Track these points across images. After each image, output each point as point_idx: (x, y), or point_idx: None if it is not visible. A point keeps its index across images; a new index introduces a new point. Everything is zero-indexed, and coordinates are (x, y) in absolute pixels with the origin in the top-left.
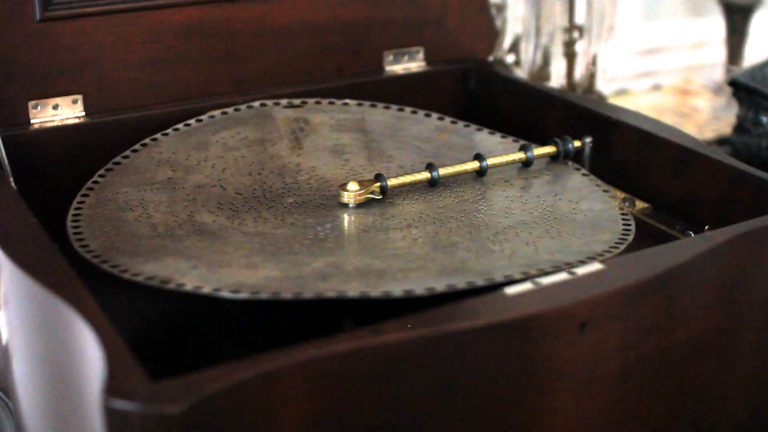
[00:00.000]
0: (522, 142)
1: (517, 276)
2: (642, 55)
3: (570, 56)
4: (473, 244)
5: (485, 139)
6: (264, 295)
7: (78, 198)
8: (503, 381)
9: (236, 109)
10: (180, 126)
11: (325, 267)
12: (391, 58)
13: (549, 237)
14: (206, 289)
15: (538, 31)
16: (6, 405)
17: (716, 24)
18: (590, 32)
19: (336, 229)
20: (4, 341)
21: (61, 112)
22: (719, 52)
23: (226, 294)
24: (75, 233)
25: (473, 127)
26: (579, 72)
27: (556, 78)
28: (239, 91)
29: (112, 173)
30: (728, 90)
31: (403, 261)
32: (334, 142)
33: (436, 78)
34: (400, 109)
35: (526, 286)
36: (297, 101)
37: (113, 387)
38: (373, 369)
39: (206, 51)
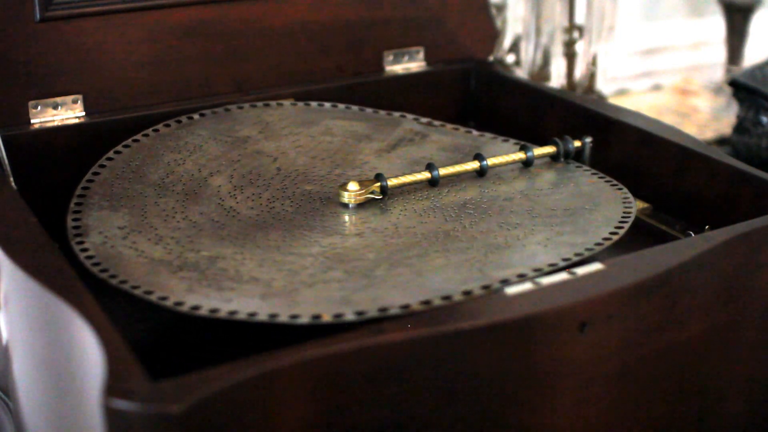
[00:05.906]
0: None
1: (327, 318)
2: (642, 55)
3: (570, 56)
4: (382, 263)
5: (580, 175)
6: (114, 282)
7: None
8: (503, 381)
9: (375, 111)
10: (313, 103)
11: (203, 260)
12: (391, 58)
13: (478, 265)
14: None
15: (538, 31)
16: (6, 405)
17: (716, 24)
18: (590, 32)
19: (290, 224)
20: (4, 341)
21: (61, 112)
22: (719, 52)
23: (77, 250)
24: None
25: (574, 165)
26: (579, 72)
27: (556, 78)
28: (239, 91)
29: (215, 116)
30: (728, 90)
31: (273, 271)
32: (425, 155)
33: (436, 78)
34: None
35: (526, 286)
36: (437, 122)
37: (113, 387)
38: (373, 369)
39: (206, 51)
